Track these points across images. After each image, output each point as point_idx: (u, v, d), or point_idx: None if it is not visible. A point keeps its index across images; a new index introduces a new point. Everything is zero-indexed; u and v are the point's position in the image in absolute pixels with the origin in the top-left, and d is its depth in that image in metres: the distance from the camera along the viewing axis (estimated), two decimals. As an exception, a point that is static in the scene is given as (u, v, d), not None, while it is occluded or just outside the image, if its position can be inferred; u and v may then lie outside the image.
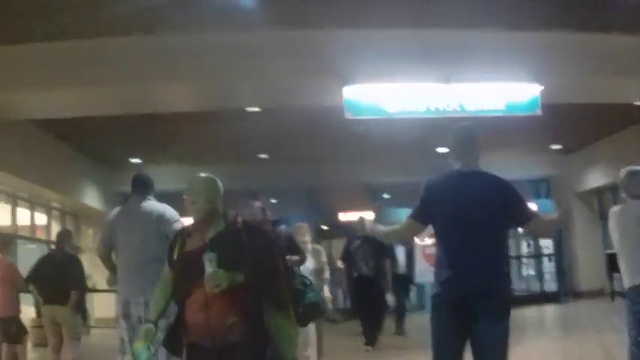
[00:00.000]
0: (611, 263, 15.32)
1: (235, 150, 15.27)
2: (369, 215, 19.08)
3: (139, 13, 7.37)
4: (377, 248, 9.67)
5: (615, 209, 5.13)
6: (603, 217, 17.45)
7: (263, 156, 16.16)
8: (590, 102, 10.52)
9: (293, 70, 8.58)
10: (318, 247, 8.30)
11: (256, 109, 11.02)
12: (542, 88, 8.81)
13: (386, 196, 20.28)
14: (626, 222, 4.94)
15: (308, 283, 4.09)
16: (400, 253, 11.95)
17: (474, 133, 4.04)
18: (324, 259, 8.16)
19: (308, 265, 6.98)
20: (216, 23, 7.80)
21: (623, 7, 8.16)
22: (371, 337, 10.06)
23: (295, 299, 3.74)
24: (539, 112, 8.86)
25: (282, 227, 6.87)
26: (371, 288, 10.09)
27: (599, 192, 17.49)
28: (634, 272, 4.81)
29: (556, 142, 16.68)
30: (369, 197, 18.90)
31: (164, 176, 11.77)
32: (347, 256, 10.32)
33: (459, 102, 8.80)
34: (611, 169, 16.18)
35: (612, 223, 5.08)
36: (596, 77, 9.26)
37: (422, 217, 3.95)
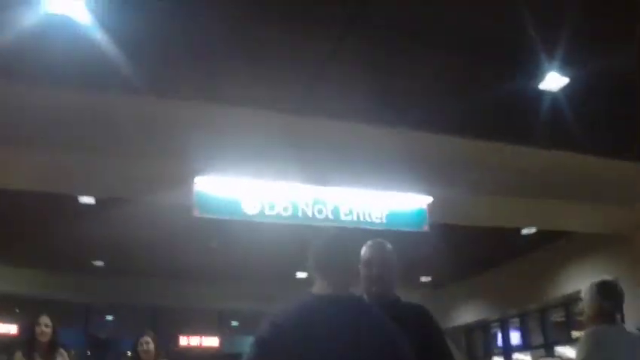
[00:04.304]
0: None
1: (68, 252, 12.93)
2: (213, 342, 16.97)
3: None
4: None
5: (594, 338, 3.68)
6: (472, 357, 16.55)
7: (98, 263, 13.83)
8: (476, 225, 9.36)
9: (136, 151, 6.76)
10: None
11: (91, 199, 9.07)
12: (432, 199, 7.54)
13: (234, 323, 18.32)
14: (608, 354, 3.59)
15: None
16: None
17: (347, 243, 2.62)
18: None
19: None
20: (52, 78, 6.00)
21: (527, 122, 7.27)
22: None
23: None
24: (426, 228, 7.54)
25: None
26: None
27: (468, 329, 16.75)
28: None
29: (426, 274, 15.60)
30: (215, 323, 17.05)
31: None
32: None
33: (333, 207, 7.33)
34: (483, 306, 15.34)
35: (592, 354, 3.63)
36: (486, 197, 8.18)
37: None
